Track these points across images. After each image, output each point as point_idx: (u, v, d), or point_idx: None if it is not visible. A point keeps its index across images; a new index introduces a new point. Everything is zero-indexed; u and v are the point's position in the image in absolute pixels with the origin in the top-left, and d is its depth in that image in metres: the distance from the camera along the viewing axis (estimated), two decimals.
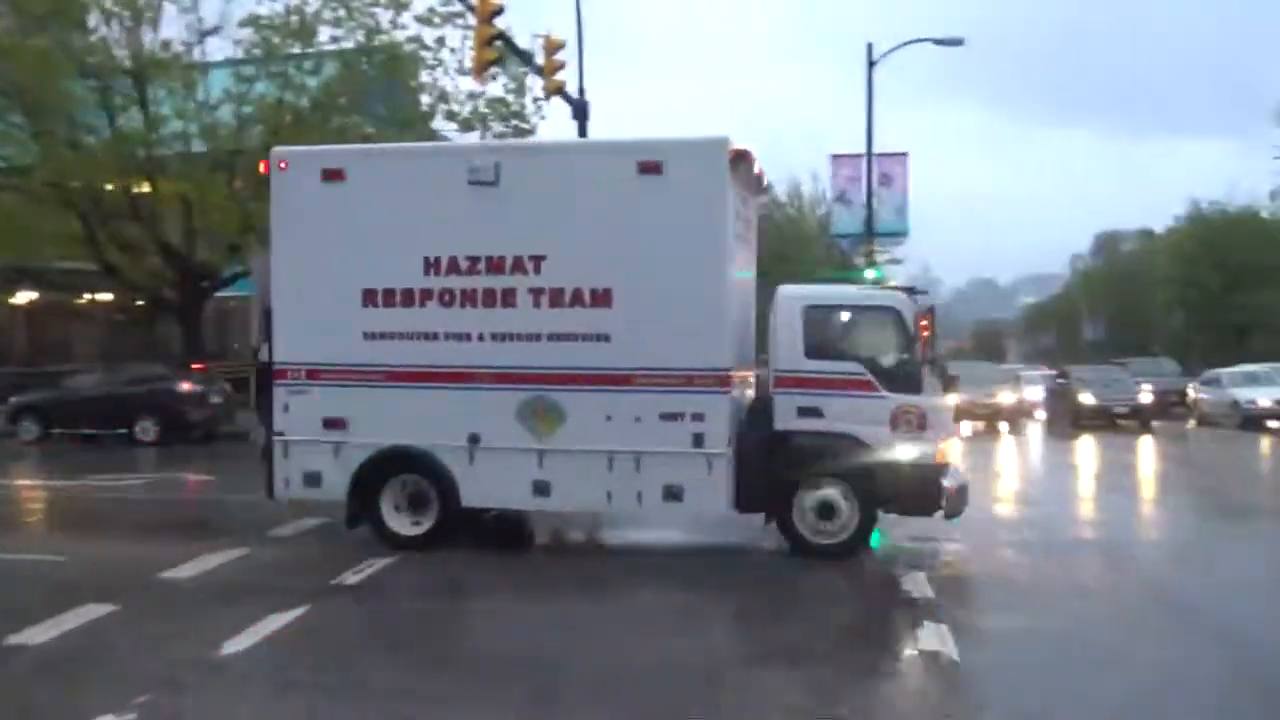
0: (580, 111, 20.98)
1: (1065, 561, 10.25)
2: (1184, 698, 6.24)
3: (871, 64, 27.45)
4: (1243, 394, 27.82)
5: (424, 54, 23.03)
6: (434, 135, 22.92)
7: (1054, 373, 37.28)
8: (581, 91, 21.01)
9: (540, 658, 7.03)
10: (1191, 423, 30.05)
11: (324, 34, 22.98)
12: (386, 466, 10.05)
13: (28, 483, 16.41)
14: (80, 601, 7.78)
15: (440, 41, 22.86)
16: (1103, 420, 27.43)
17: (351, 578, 8.98)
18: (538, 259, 9.77)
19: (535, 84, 21.75)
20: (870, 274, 27.03)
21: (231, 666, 6.67)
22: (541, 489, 9.80)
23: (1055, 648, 7.24)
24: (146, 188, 23.14)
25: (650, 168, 9.61)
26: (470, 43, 20.24)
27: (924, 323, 9.69)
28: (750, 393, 10.53)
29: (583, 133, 21.80)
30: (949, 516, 9.85)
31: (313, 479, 10.18)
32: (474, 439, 9.85)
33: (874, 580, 9.24)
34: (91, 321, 31.77)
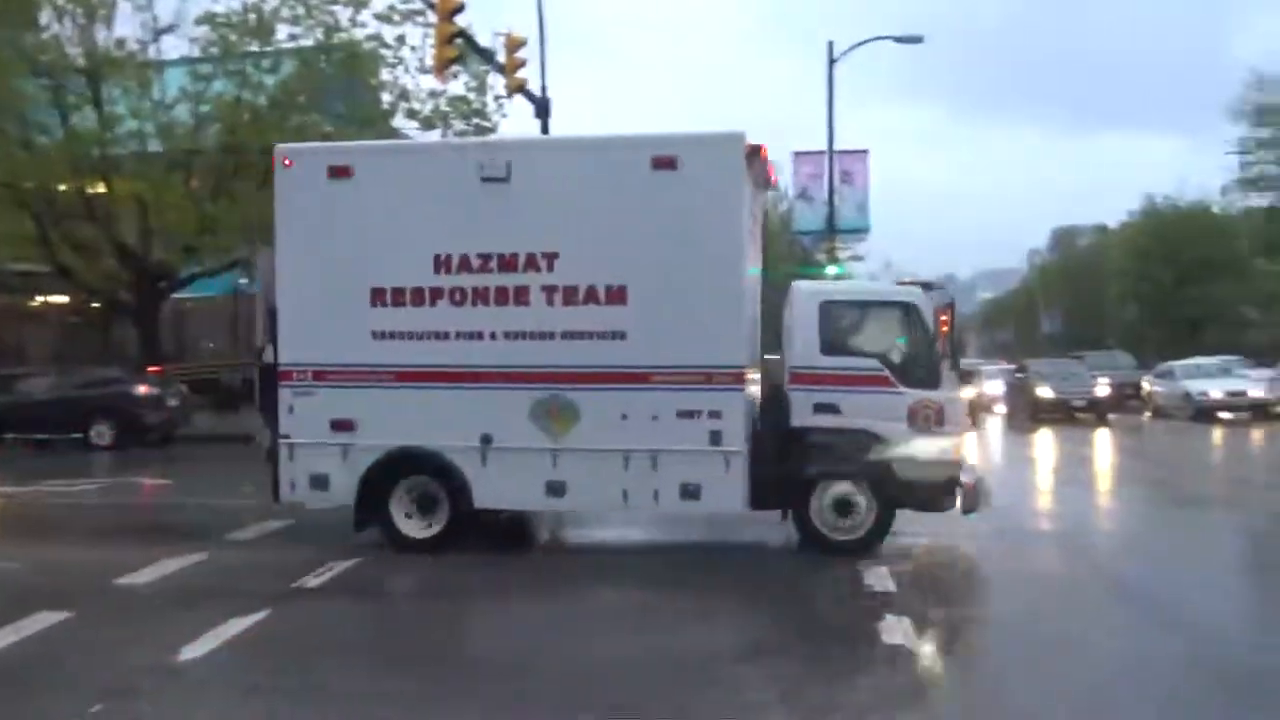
0: (543, 109, 20.93)
1: (1024, 553, 10.39)
2: (1140, 686, 6.35)
3: (832, 62, 27.64)
4: (1195, 386, 28.33)
5: (384, 52, 22.90)
6: (394, 134, 22.78)
7: (1013, 367, 37.79)
8: (544, 89, 20.97)
9: (505, 658, 7.02)
10: (1146, 415, 30.55)
11: (282, 32, 22.77)
12: (396, 468, 9.91)
13: None
14: (34, 609, 7.65)
15: (400, 39, 22.74)
16: (1061, 413, 27.82)
17: (313, 581, 8.90)
18: (550, 256, 9.65)
19: (497, 82, 21.68)
20: (832, 270, 27.25)
21: (189, 672, 6.59)
22: (556, 489, 9.68)
23: (1014, 638, 7.35)
24: (101, 188, 22.80)
25: (665, 163, 9.52)
26: (431, 40, 20.13)
27: (944, 318, 9.72)
28: (756, 389, 10.44)
29: (544, 130, 21.77)
30: (965, 512, 9.86)
31: (320, 482, 10.02)
32: (486, 439, 9.72)
33: (837, 575, 9.29)
34: (45, 324, 31.23)
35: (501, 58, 19.91)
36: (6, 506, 14.23)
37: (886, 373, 9.77)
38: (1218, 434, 24.37)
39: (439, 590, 9.18)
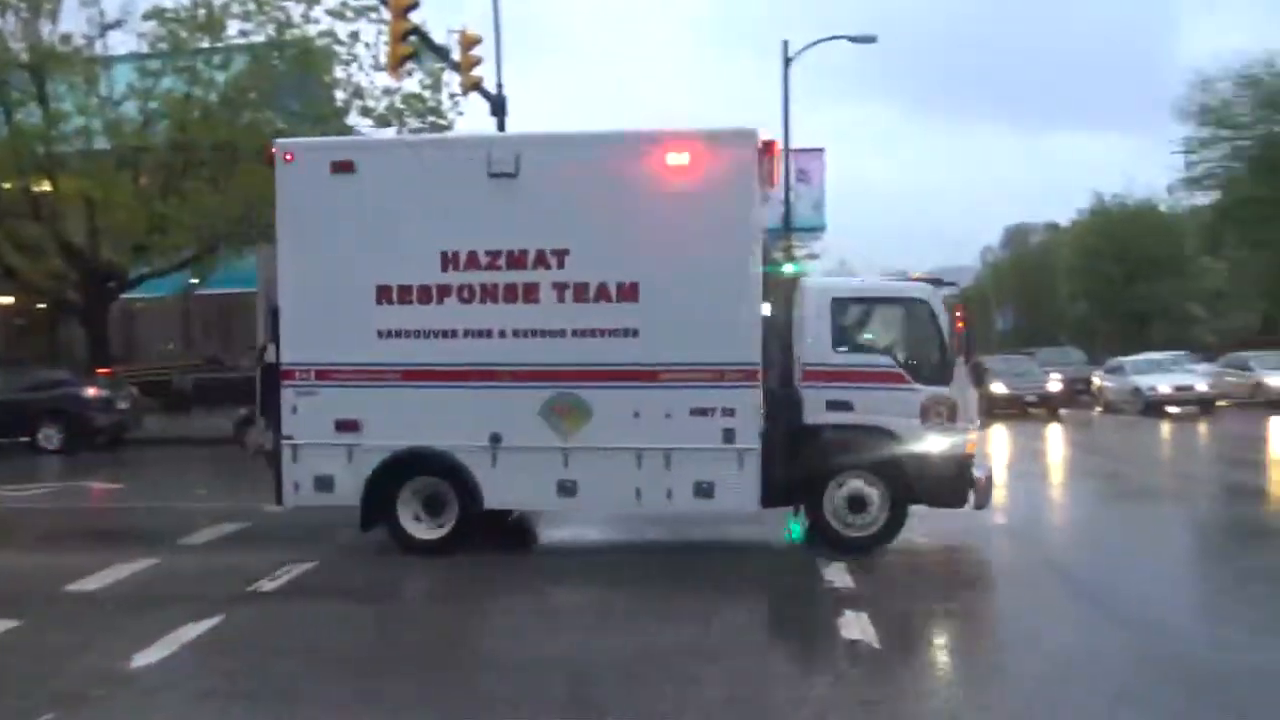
0: (498, 107, 20.83)
1: (980, 547, 10.52)
2: (1092, 678, 6.45)
3: (788, 61, 27.78)
4: (1144, 381, 28.88)
5: (338, 48, 22.63)
6: (349, 131, 22.55)
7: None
8: (499, 87, 20.88)
9: (463, 657, 6.99)
10: (1097, 410, 31.08)
11: (233, 28, 22.40)
12: (403, 469, 9.77)
13: None
14: None
15: (354, 36, 22.49)
16: (1014, 409, 28.21)
17: (268, 584, 8.79)
18: (561, 253, 9.54)
19: (452, 79, 21.53)
20: (789, 269, 27.36)
21: (142, 679, 6.48)
22: (567, 489, 9.59)
23: (969, 632, 7.44)
24: (47, 186, 22.29)
25: (679, 158, 9.47)
26: (385, 37, 19.97)
27: (959, 314, 9.77)
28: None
29: (501, 127, 21.69)
30: (977, 507, 9.91)
31: (324, 483, 9.85)
32: (496, 439, 9.60)
33: (796, 571, 9.36)
34: None
35: (456, 55, 19.80)
36: None
37: (899, 369, 9.81)
38: (1166, 428, 24.86)
39: (398, 592, 9.11)
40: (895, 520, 9.75)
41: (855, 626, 7.26)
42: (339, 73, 23.06)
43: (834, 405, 9.76)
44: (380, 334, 9.71)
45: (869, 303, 10.33)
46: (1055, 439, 23.06)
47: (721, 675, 6.44)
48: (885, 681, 6.25)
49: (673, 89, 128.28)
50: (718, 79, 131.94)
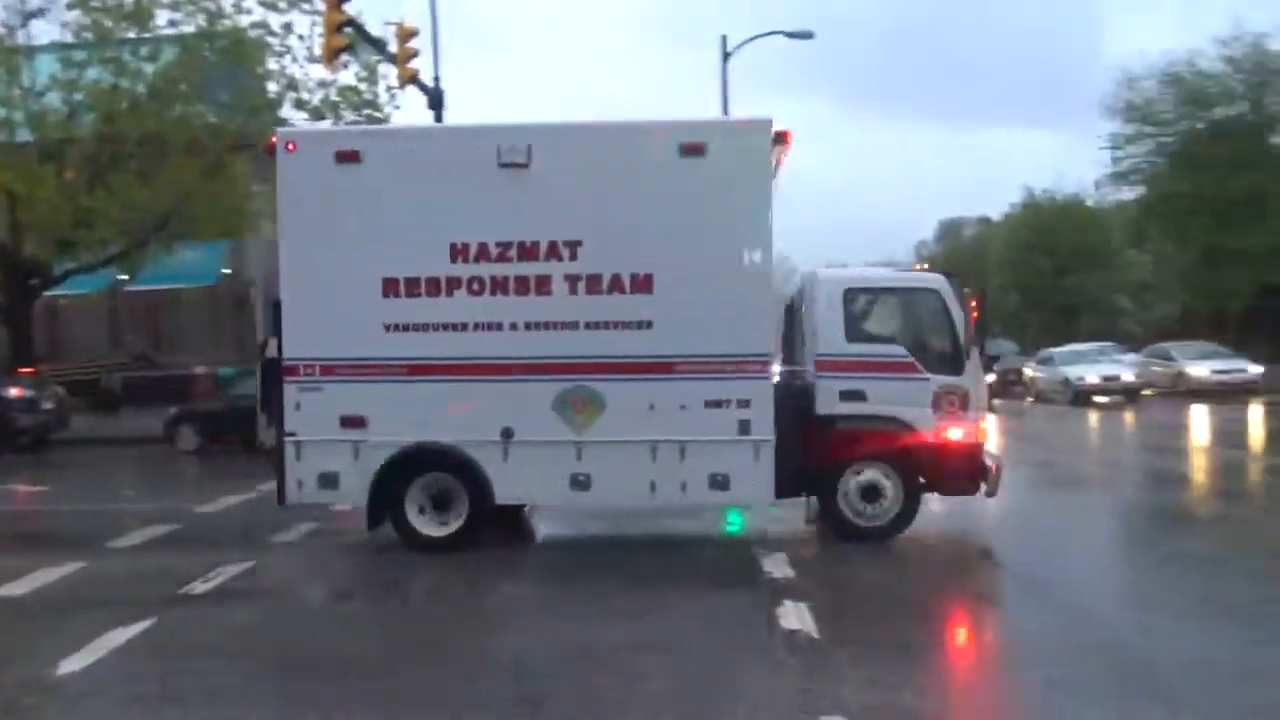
0: (436, 100, 20.67)
1: (915, 536, 10.67)
2: (1026, 665, 6.61)
3: (726, 56, 27.88)
4: (1073, 371, 29.63)
5: (270, 40, 22.20)
6: (282, 124, 22.16)
7: None
8: (437, 80, 20.71)
9: (397, 657, 6.92)
10: (1029, 399, 31.78)
11: (161, 17, 21.87)
12: (411, 465, 9.63)
13: None
14: None
15: (287, 28, 22.08)
16: None
17: (201, 586, 8.62)
18: (573, 244, 9.44)
19: (389, 72, 21.28)
20: None
21: (70, 685, 6.32)
22: (580, 483, 9.49)
23: (907, 620, 7.55)
24: None
25: (693, 149, 9.40)
26: (319, 29, 19.66)
27: (974, 304, 9.85)
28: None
29: (439, 121, 21.47)
30: (989, 495, 10.05)
31: (329, 481, 9.65)
32: (507, 433, 9.49)
33: (735, 563, 9.43)
34: None
35: (393, 47, 19.58)
36: None
37: (911, 359, 9.89)
38: (1094, 417, 25.51)
39: (333, 592, 8.99)
40: (909, 509, 9.86)
41: (794, 616, 7.34)
42: (272, 64, 22.63)
43: (847, 395, 9.85)
44: (387, 327, 9.55)
45: (881, 293, 10.44)
46: (989, 428, 23.47)
47: (663, 668, 6.46)
48: (824, 670, 6.32)
49: (613, 83, 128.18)
50: (658, 74, 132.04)
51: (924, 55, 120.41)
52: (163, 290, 28.76)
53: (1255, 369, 29.69)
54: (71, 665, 6.56)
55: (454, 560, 9.95)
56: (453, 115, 20.41)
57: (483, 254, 9.49)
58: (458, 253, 9.49)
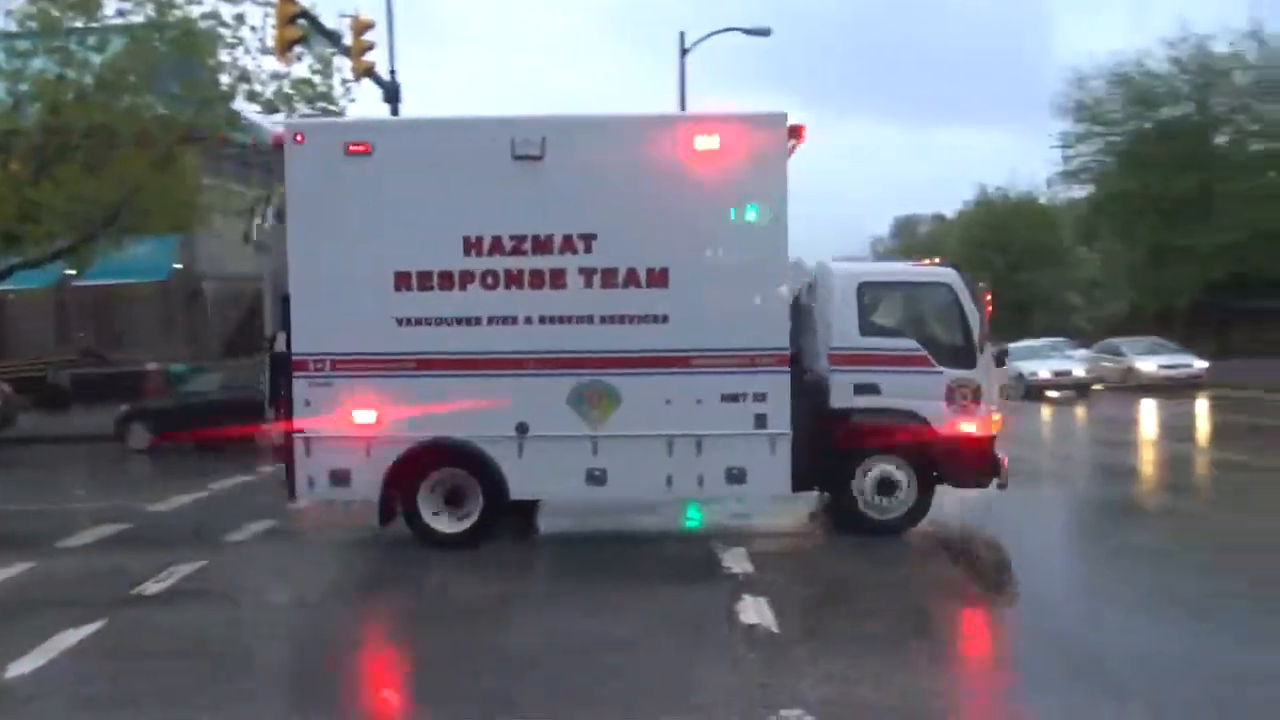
0: (392, 94, 20.47)
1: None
2: (980, 657, 6.70)
3: (684, 52, 27.90)
4: (1025, 367, 30.04)
5: (222, 31, 21.81)
6: (235, 116, 21.80)
7: None
8: (393, 73, 20.51)
9: (352, 657, 6.86)
10: None
11: (110, 7, 21.39)
12: (424, 461, 9.53)
13: None
14: None
15: (239, 19, 21.67)
16: None
17: (153, 586, 8.49)
18: (588, 237, 9.39)
19: (344, 65, 21.00)
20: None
21: (18, 689, 6.19)
22: (597, 477, 9.46)
23: (864, 613, 7.63)
24: None
25: (708, 142, 9.37)
26: (272, 20, 19.37)
27: (988, 298, 9.92)
28: None
29: (395, 115, 21.25)
30: (1001, 488, 10.14)
31: (340, 477, 9.52)
32: (522, 428, 9.42)
33: (695, 558, 9.45)
34: None
35: (348, 40, 19.34)
36: None
37: (925, 352, 9.95)
38: (1047, 411, 25.89)
39: (287, 592, 8.88)
40: (923, 502, 9.95)
41: (753, 611, 7.38)
42: (224, 56, 22.22)
43: (861, 389, 9.90)
44: (399, 322, 9.46)
45: (894, 287, 10.55)
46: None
47: (623, 664, 6.47)
48: (783, 665, 6.36)
49: (571, 79, 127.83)
50: (616, 68, 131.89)
51: (880, 53, 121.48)
52: (113, 285, 28.21)
53: (1201, 364, 30.32)
54: (21, 667, 6.44)
55: (412, 558, 9.88)
56: (409, 109, 20.23)
57: (496, 247, 9.43)
58: (471, 246, 9.43)
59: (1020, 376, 29.84)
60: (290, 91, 22.12)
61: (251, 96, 22.16)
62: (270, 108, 22.10)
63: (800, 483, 9.72)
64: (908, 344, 10.06)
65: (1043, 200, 53.22)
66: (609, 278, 9.43)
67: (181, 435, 18.80)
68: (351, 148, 9.49)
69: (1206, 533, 10.67)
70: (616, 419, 9.44)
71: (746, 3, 34.83)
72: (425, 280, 9.43)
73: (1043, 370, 29.67)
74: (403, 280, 9.44)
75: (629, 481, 9.58)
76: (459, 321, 9.45)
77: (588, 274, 9.43)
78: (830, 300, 10.07)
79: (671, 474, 9.48)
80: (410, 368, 9.46)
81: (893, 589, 8.46)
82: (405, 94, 20.38)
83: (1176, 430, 20.56)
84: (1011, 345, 32.56)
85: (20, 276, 23.82)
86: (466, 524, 9.66)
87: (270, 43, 19.81)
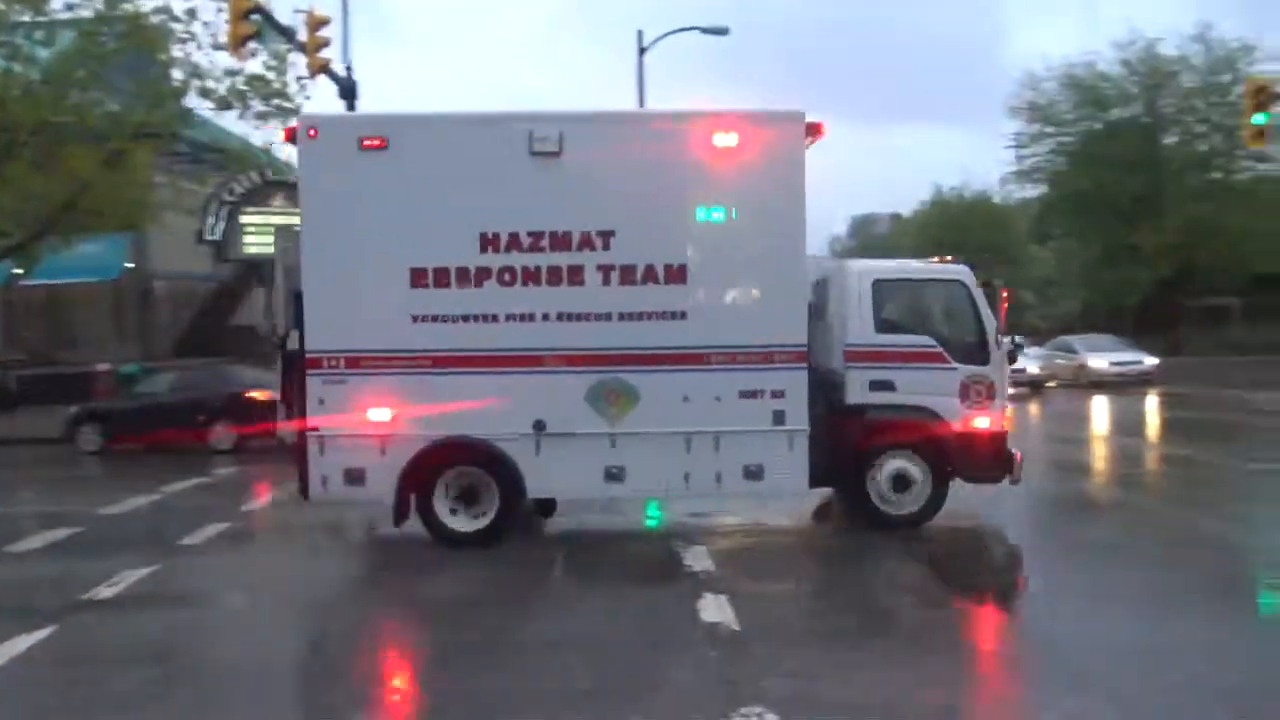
0: (348, 91, 20.28)
1: (832, 528, 10.88)
2: (941, 650, 6.77)
3: (642, 50, 27.91)
4: None
5: (174, 26, 21.45)
6: (188, 113, 21.46)
7: None
8: (349, 70, 20.32)
9: (304, 661, 6.79)
10: None
11: (58, 1, 20.98)
12: (440, 459, 9.44)
13: None
14: None
15: (191, 14, 21.33)
16: None
17: (105, 591, 8.33)
18: (606, 234, 9.35)
19: (299, 61, 20.76)
20: None
21: None
22: (614, 475, 9.44)
23: (825, 610, 7.68)
24: None
25: (727, 139, 9.36)
26: (225, 15, 19.09)
27: (1005, 295, 10.03)
28: None
29: (350, 112, 21.02)
30: (1014, 483, 10.25)
31: (355, 477, 9.39)
32: (539, 425, 9.36)
33: (656, 557, 9.46)
34: None
35: (303, 36, 19.12)
36: None
37: (940, 349, 10.03)
38: None
39: (240, 596, 8.75)
40: (937, 497, 10.03)
41: (715, 609, 7.40)
42: (176, 52, 21.87)
43: (877, 385, 9.99)
44: (415, 319, 9.37)
45: (909, 284, 10.64)
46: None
47: (585, 663, 6.45)
48: (745, 662, 6.38)
49: (529, 77, 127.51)
50: (575, 67, 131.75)
51: (837, 53, 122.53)
52: (62, 285, 27.67)
53: (1151, 361, 30.90)
54: None
55: (368, 559, 9.83)
56: (365, 106, 20.05)
57: (514, 244, 9.39)
58: (488, 242, 9.37)
59: None
60: (244, 88, 21.82)
61: (204, 93, 21.83)
62: (224, 104, 21.79)
63: (817, 479, 9.80)
64: (923, 340, 10.18)
65: (997, 200, 53.94)
66: (627, 274, 9.44)
67: (133, 437, 18.48)
68: (366, 142, 9.39)
69: (1157, 526, 10.88)
70: (634, 416, 9.45)
71: (705, 1, 34.91)
72: (441, 277, 9.38)
73: None
74: (419, 277, 9.37)
75: (647, 479, 9.59)
76: (476, 318, 9.41)
77: (606, 270, 9.43)
78: (846, 297, 10.15)
79: (689, 471, 9.51)
80: (426, 365, 9.40)
81: (853, 586, 8.53)
82: (362, 91, 20.21)
83: (1127, 426, 20.93)
84: None
85: None
86: (483, 523, 9.63)
87: (223, 38, 19.54)
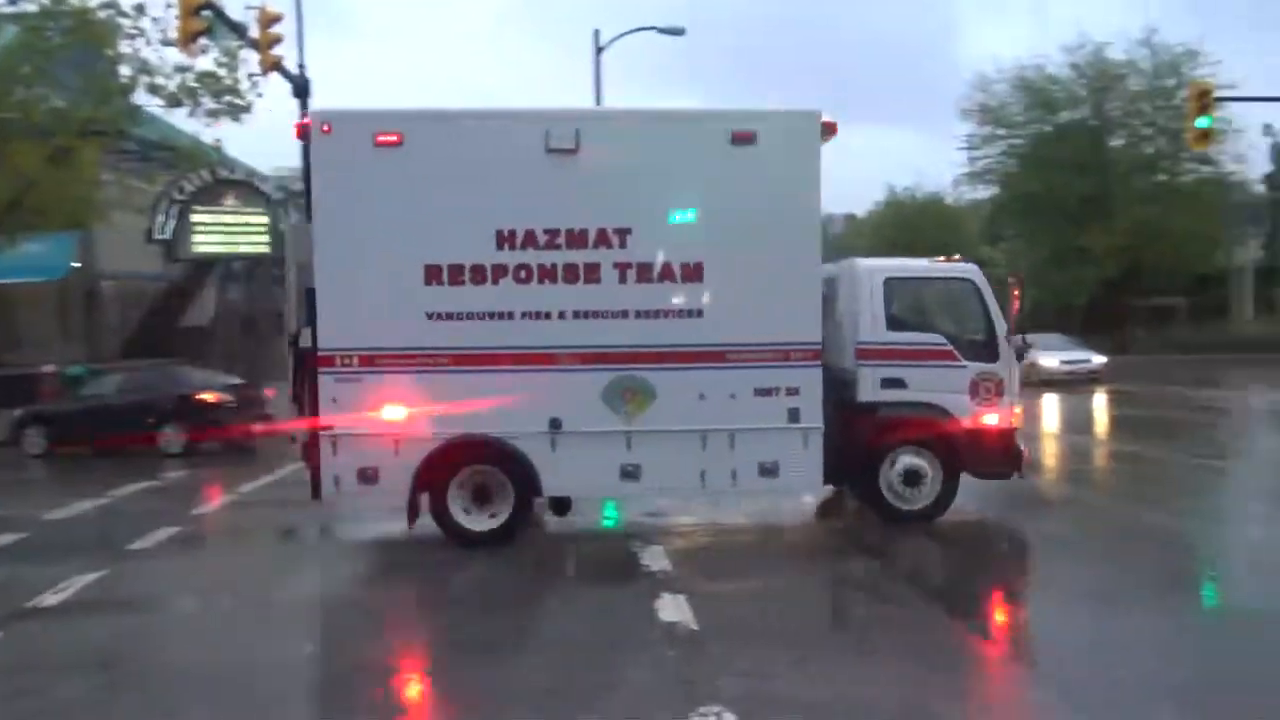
0: (301, 88, 20.02)
1: (790, 527, 10.94)
2: (898, 647, 6.83)
3: (599, 49, 27.90)
4: None
5: (122, 21, 21.06)
6: (136, 110, 21.08)
7: None
8: (302, 68, 20.08)
9: (254, 666, 6.68)
10: None
11: None
12: (455, 458, 9.34)
13: None
14: None
15: (140, 9, 20.95)
16: None
17: (51, 598, 8.16)
18: (623, 232, 9.32)
19: (251, 58, 20.47)
20: None
21: None
22: (630, 473, 9.41)
23: (783, 609, 7.71)
24: None
25: (743, 137, 9.38)
26: (175, 11, 18.77)
27: (1016, 293, 10.15)
28: None
29: (304, 110, 20.77)
30: (1021, 477, 10.48)
31: (368, 476, 9.27)
32: (555, 424, 9.31)
33: (613, 556, 9.46)
34: None
35: (255, 33, 18.86)
36: None
37: (950, 346, 10.16)
38: None
39: (189, 601, 8.62)
40: (947, 493, 10.18)
41: (673, 608, 7.41)
42: (124, 47, 21.48)
43: (888, 383, 10.11)
44: (429, 316, 9.28)
45: (919, 282, 10.79)
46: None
47: (542, 662, 6.44)
48: (703, 661, 6.40)
49: (485, 75, 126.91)
50: (531, 66, 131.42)
51: (791, 53, 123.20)
52: (6, 284, 27.04)
53: (1099, 359, 31.46)
54: None
55: (320, 562, 9.72)
56: (318, 103, 19.80)
57: (530, 241, 9.34)
58: (504, 240, 9.33)
59: None
60: (195, 85, 21.49)
61: (153, 90, 21.47)
62: (173, 101, 21.45)
63: (829, 476, 9.90)
64: (933, 338, 10.34)
65: (949, 201, 54.61)
66: (644, 272, 9.44)
67: (79, 440, 18.11)
68: (381, 138, 9.30)
69: (1106, 522, 11.08)
70: (650, 414, 9.45)
71: (661, 2, 35.03)
72: (457, 274, 9.32)
73: None
74: (433, 274, 9.30)
75: (663, 476, 9.60)
76: (491, 316, 9.36)
77: (622, 268, 9.42)
78: (857, 295, 10.25)
79: (705, 469, 9.54)
80: (441, 363, 9.33)
81: (810, 585, 8.58)
82: (316, 89, 19.97)
83: (1078, 424, 21.29)
84: None
85: None
86: (497, 522, 9.58)
87: (173, 34, 19.21)
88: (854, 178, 52.99)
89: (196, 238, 30.49)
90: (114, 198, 22.87)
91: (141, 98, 21.42)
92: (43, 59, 20.86)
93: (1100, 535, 10.36)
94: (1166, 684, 6.01)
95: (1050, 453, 17.33)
